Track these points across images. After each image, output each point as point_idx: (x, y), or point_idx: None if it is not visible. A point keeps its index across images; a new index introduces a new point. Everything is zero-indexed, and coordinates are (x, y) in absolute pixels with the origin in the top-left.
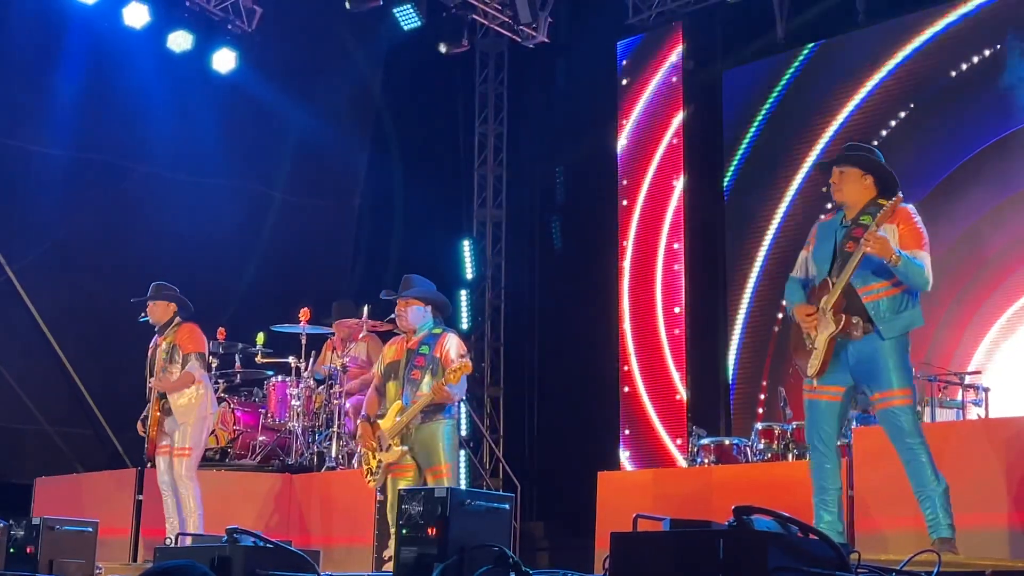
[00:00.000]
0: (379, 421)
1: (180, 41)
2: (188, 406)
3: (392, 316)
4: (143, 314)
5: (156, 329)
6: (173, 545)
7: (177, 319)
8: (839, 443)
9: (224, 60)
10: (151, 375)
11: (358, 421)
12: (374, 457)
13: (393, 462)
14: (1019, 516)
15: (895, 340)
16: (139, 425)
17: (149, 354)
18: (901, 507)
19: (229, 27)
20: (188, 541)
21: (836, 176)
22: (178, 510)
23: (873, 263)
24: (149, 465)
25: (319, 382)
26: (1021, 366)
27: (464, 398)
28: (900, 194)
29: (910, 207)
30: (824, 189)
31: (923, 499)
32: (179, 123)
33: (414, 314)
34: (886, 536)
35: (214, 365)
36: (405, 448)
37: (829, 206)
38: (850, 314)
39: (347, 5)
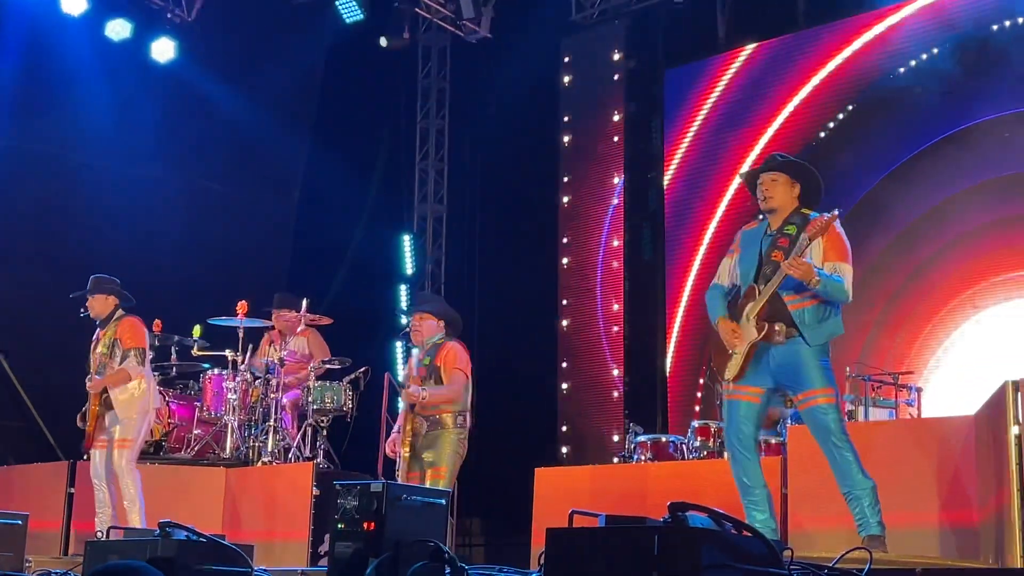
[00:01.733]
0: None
1: (118, 29)
2: (130, 400)
3: (406, 330)
4: (83, 309)
5: (97, 323)
6: (104, 539)
7: (119, 313)
8: (761, 441)
9: (163, 49)
10: (91, 370)
11: (401, 413)
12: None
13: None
14: (949, 515)
15: (818, 347)
16: (79, 418)
17: (91, 348)
18: (834, 505)
19: (169, 16)
20: (120, 535)
21: (767, 183)
22: (112, 502)
23: (794, 279)
24: (85, 458)
25: (256, 376)
26: (954, 366)
27: (470, 409)
28: (836, 211)
29: (835, 218)
30: (756, 198)
31: (851, 498)
32: (116, 113)
33: (428, 329)
34: (819, 534)
35: (149, 357)
36: (411, 456)
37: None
38: (773, 321)
39: None
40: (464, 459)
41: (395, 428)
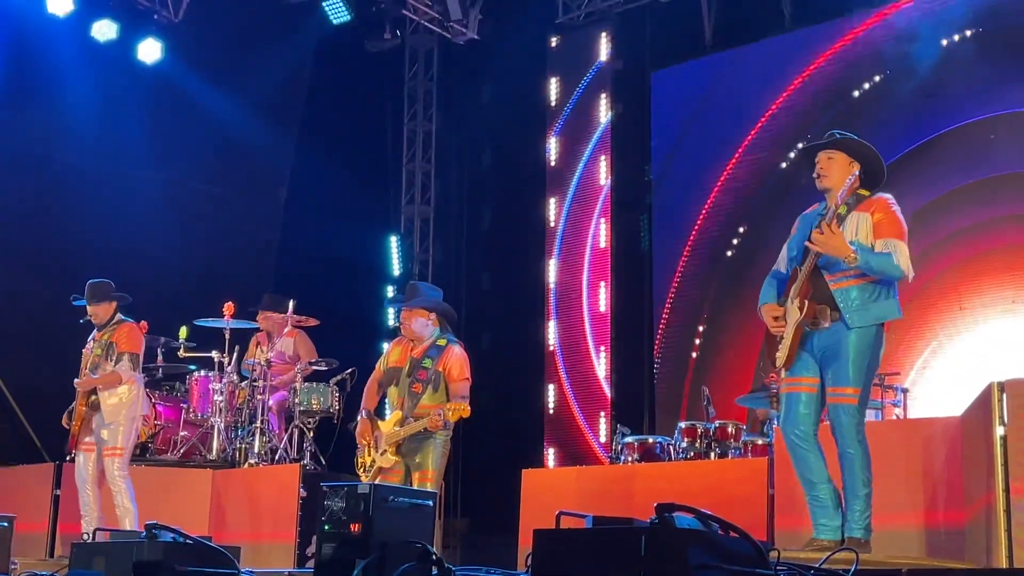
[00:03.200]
0: (380, 422)
1: (105, 30)
2: (118, 405)
3: (397, 323)
4: (85, 316)
5: (97, 326)
6: (90, 540)
7: (118, 317)
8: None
9: (149, 50)
10: (83, 367)
11: (360, 416)
12: (369, 454)
13: (387, 468)
14: (935, 515)
15: (862, 331)
16: (64, 418)
17: (87, 348)
18: None
19: (155, 17)
20: (107, 537)
21: (823, 161)
22: (99, 505)
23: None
24: (69, 459)
25: (244, 377)
26: (940, 367)
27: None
28: (857, 173)
29: (889, 197)
30: (812, 176)
31: (849, 498)
32: (103, 113)
33: (418, 324)
34: (806, 534)
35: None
36: (398, 458)
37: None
38: (815, 302)
39: None
40: (448, 459)
41: (362, 410)
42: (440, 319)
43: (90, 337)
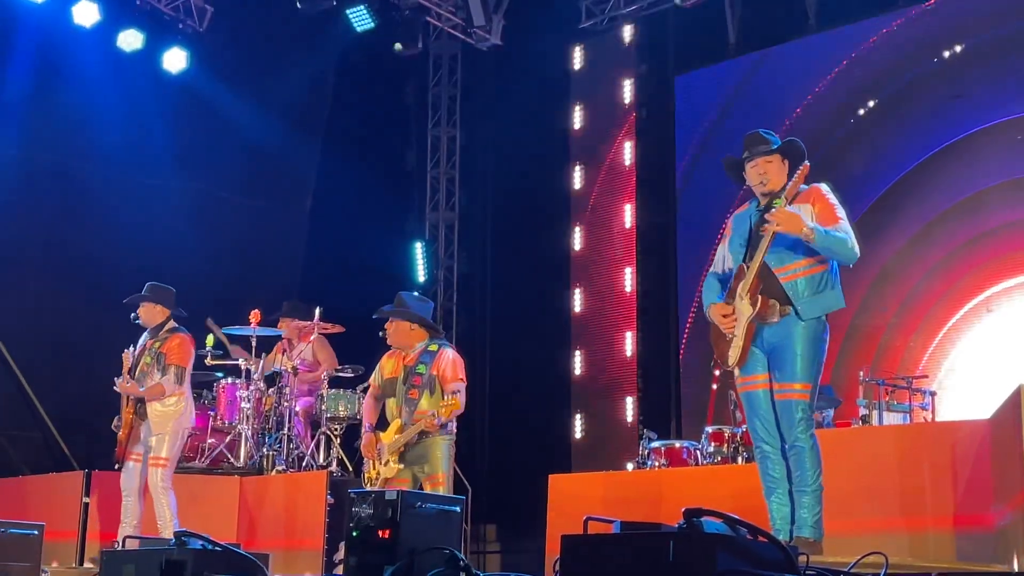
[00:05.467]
0: (381, 434)
1: (130, 40)
2: (165, 416)
3: (382, 332)
4: (134, 315)
5: (147, 331)
6: (120, 548)
7: (170, 325)
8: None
9: (175, 60)
10: (130, 374)
11: (363, 432)
12: (374, 467)
13: (391, 478)
14: (964, 519)
15: (812, 323)
16: (115, 420)
17: (135, 352)
18: (849, 509)
19: (180, 26)
20: (136, 544)
21: (762, 166)
22: (139, 515)
23: (788, 240)
24: (116, 467)
25: (269, 382)
26: (968, 370)
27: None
28: (806, 163)
29: (823, 185)
30: (750, 183)
31: (796, 493)
32: (129, 123)
33: (402, 334)
34: (834, 539)
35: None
36: (402, 466)
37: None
38: (767, 296)
39: (299, 5)
40: (473, 465)
41: (365, 427)
42: (426, 328)
43: (141, 342)
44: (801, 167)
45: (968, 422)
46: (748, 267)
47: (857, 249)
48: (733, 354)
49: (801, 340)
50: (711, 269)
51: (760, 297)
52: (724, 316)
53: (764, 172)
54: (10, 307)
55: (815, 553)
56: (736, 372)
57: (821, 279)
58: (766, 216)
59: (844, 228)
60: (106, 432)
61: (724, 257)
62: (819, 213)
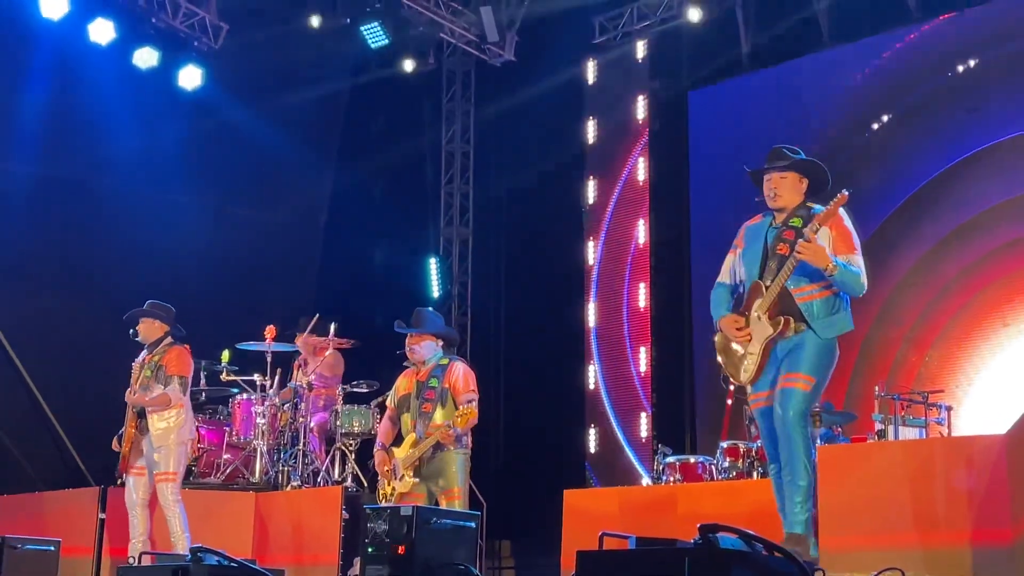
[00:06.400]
0: (395, 450)
1: (146, 57)
2: (167, 430)
3: (402, 350)
4: (133, 331)
5: (145, 346)
6: (136, 564)
7: (168, 339)
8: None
9: (190, 76)
10: (133, 384)
11: (375, 450)
12: (388, 484)
13: (406, 492)
14: (981, 534)
15: (828, 340)
16: (115, 441)
17: (135, 369)
18: (865, 524)
19: (195, 44)
20: (152, 560)
21: (776, 181)
22: (148, 529)
23: (807, 267)
24: (119, 482)
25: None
26: (984, 384)
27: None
28: (845, 192)
29: (841, 210)
30: (757, 199)
31: (788, 486)
32: (144, 139)
33: (427, 349)
34: (850, 554)
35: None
36: (417, 480)
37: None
38: (785, 316)
39: (314, 23)
40: (488, 480)
41: (377, 445)
42: (445, 344)
43: (140, 358)
44: (840, 195)
45: (985, 436)
46: (767, 288)
47: (866, 284)
48: (748, 370)
49: (814, 343)
50: (719, 279)
51: (781, 319)
52: (738, 329)
53: (776, 187)
54: (27, 322)
55: (801, 550)
56: (748, 389)
57: (834, 302)
58: (796, 246)
59: (858, 262)
60: None
61: (735, 269)
62: (835, 239)
